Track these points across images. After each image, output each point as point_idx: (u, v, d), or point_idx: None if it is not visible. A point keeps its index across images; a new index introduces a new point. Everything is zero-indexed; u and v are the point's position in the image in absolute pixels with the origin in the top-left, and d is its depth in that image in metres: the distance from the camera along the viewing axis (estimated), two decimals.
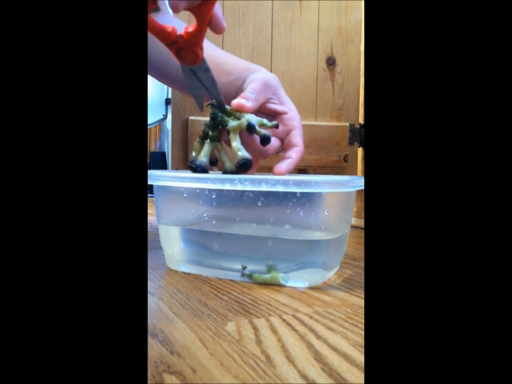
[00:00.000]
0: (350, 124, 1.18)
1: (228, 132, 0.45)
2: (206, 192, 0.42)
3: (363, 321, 0.31)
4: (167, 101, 1.95)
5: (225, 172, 0.46)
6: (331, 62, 1.16)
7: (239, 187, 0.37)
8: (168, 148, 2.10)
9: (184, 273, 0.45)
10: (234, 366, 0.24)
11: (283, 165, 0.46)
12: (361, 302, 0.36)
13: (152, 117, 1.96)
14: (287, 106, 0.49)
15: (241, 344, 0.27)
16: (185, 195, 0.44)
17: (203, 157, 0.45)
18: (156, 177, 0.42)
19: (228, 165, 0.46)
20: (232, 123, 0.44)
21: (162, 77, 0.60)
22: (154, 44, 0.51)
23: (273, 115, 0.49)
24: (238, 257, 0.43)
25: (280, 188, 0.36)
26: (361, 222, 0.82)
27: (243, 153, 0.44)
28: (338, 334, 0.29)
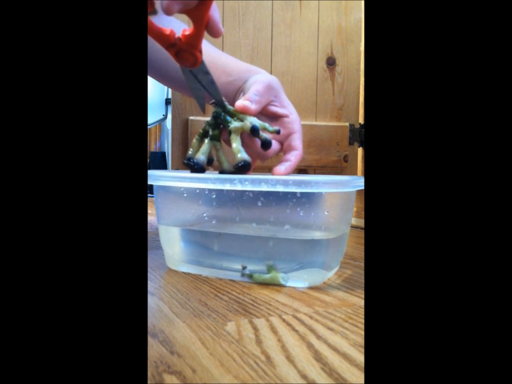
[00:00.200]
0: (350, 124, 1.18)
1: (230, 132, 0.44)
2: (206, 192, 0.42)
3: (363, 321, 0.31)
4: (167, 101, 1.95)
5: (222, 172, 0.46)
6: (331, 62, 1.16)
7: (239, 187, 0.37)
8: (168, 148, 2.10)
9: (184, 273, 0.45)
10: (234, 366, 0.24)
11: (282, 167, 0.46)
12: (361, 302, 0.36)
13: (152, 117, 1.96)
14: (288, 109, 0.49)
15: (241, 344, 0.27)
16: (185, 195, 0.44)
17: (201, 155, 0.45)
18: (156, 177, 0.42)
19: (226, 165, 0.46)
20: (234, 124, 0.44)
21: (162, 78, 0.60)
22: (153, 45, 0.52)
23: (274, 117, 0.49)
24: (238, 257, 0.43)
25: (280, 188, 0.36)
26: (361, 222, 0.82)
27: (243, 155, 0.44)
28: (338, 334, 0.29)
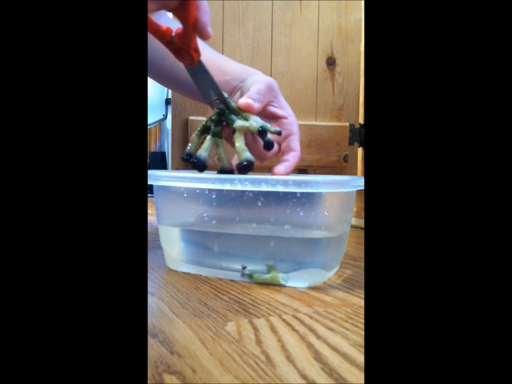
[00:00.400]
0: (350, 124, 1.18)
1: (234, 131, 0.44)
2: (206, 192, 0.42)
3: (363, 321, 0.31)
4: (167, 101, 1.95)
5: (221, 169, 0.46)
6: (331, 62, 1.16)
7: (239, 187, 0.37)
8: (168, 148, 2.10)
9: (184, 273, 0.45)
10: (234, 366, 0.24)
11: (282, 167, 0.47)
12: (361, 302, 0.36)
13: (152, 117, 1.96)
14: (287, 111, 0.49)
15: (241, 344, 0.27)
16: (185, 195, 0.44)
17: (203, 152, 0.45)
18: (156, 177, 0.42)
19: (226, 163, 0.46)
20: (239, 122, 0.44)
21: (159, 77, 0.60)
22: (151, 44, 0.52)
23: (273, 118, 0.49)
24: (238, 257, 0.43)
25: (280, 188, 0.36)
26: (361, 222, 0.82)
27: (247, 154, 0.44)
28: (338, 334, 0.29)
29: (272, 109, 0.49)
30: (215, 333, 0.29)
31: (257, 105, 0.45)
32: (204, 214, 0.43)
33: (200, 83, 0.46)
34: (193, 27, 0.41)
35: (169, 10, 0.40)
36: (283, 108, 0.49)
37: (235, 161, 0.48)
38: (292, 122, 0.49)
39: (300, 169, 1.12)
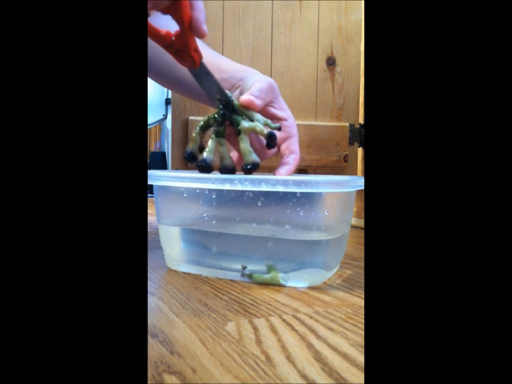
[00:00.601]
0: (350, 124, 1.18)
1: (239, 132, 0.44)
2: (206, 192, 0.42)
3: (363, 321, 0.31)
4: (167, 101, 1.95)
5: (223, 167, 0.46)
6: (331, 62, 1.16)
7: (239, 187, 0.37)
8: (168, 148, 2.10)
9: (184, 273, 0.45)
10: (234, 366, 0.24)
11: (283, 170, 0.47)
12: (361, 302, 0.36)
13: (152, 117, 1.96)
14: (286, 113, 0.49)
15: (241, 344, 0.27)
16: (185, 195, 0.44)
17: (208, 154, 0.45)
18: (156, 177, 0.42)
19: (228, 161, 0.46)
20: (245, 123, 0.44)
21: (158, 77, 0.60)
22: (153, 47, 0.52)
23: (272, 119, 0.49)
24: (238, 257, 0.43)
25: (280, 188, 0.36)
26: (361, 222, 0.82)
27: (253, 156, 0.44)
28: (338, 334, 0.29)
29: (272, 110, 0.49)
30: (215, 333, 0.29)
31: (259, 102, 0.45)
32: (204, 214, 0.43)
33: (204, 85, 0.46)
34: (188, 26, 0.41)
35: (161, 11, 0.40)
36: (282, 109, 0.49)
37: (233, 155, 0.48)
38: (291, 124, 0.49)
39: (300, 169, 1.12)
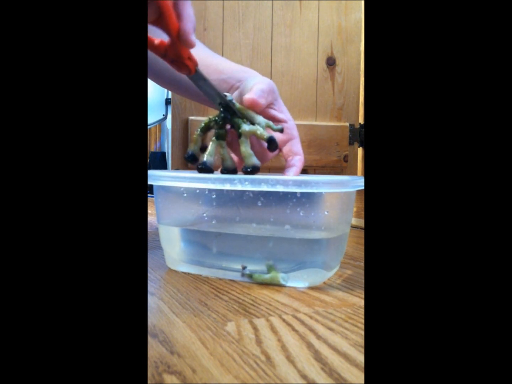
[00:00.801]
0: (350, 124, 1.18)
1: (240, 135, 0.44)
2: (206, 192, 0.42)
3: (363, 321, 0.31)
4: (167, 101, 1.95)
5: (224, 168, 0.46)
6: (331, 62, 1.16)
7: (239, 187, 0.37)
8: (168, 148, 2.10)
9: (184, 273, 0.45)
10: (234, 366, 0.24)
11: (290, 174, 0.47)
12: (361, 302, 0.36)
13: (152, 117, 1.96)
14: (286, 115, 0.49)
15: (241, 344, 0.27)
16: (185, 195, 0.44)
17: (209, 157, 0.45)
18: (156, 177, 0.42)
19: (230, 163, 0.46)
20: (245, 127, 0.44)
21: (157, 78, 0.60)
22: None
23: (272, 121, 0.49)
24: (238, 257, 0.43)
25: (280, 188, 0.36)
26: (361, 222, 0.82)
27: (253, 160, 0.44)
28: (338, 334, 0.29)
29: (273, 112, 0.49)
30: (215, 333, 0.29)
31: (262, 101, 0.45)
32: (204, 214, 0.43)
33: (202, 90, 0.47)
34: (177, 37, 0.41)
35: (150, 23, 0.40)
36: (282, 112, 0.49)
37: (233, 157, 0.48)
38: (292, 126, 0.49)
39: None
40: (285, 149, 0.49)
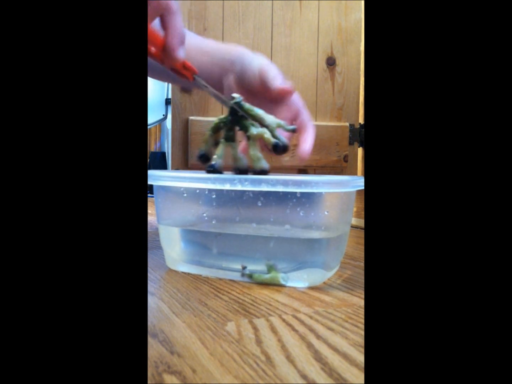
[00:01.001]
0: (350, 124, 1.18)
1: (248, 138, 0.44)
2: (206, 192, 0.42)
3: (363, 321, 0.31)
4: (167, 101, 1.95)
5: (237, 169, 0.46)
6: (331, 62, 1.16)
7: (239, 187, 0.37)
8: (168, 148, 2.10)
9: (184, 273, 0.45)
10: (234, 366, 0.24)
11: (306, 144, 0.47)
12: (361, 302, 0.36)
13: (152, 117, 1.96)
14: (288, 83, 0.49)
15: (241, 344, 0.27)
16: (185, 195, 0.44)
17: (218, 159, 0.45)
18: (156, 177, 0.42)
19: (242, 163, 0.45)
20: (253, 130, 0.44)
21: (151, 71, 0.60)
22: None
23: (278, 99, 0.49)
24: (238, 257, 0.43)
25: (280, 188, 0.36)
26: (361, 222, 0.82)
27: (262, 163, 0.43)
28: (338, 334, 0.29)
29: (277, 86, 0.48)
30: (215, 333, 0.29)
31: (289, 86, 0.46)
32: (204, 214, 0.43)
33: (209, 93, 0.47)
34: (163, 52, 0.40)
35: None
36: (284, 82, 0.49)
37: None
38: (297, 96, 0.49)
39: (300, 169, 1.12)
40: (297, 122, 0.49)
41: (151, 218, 0.89)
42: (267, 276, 0.40)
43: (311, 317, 0.32)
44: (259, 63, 0.48)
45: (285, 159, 1.07)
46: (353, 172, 1.18)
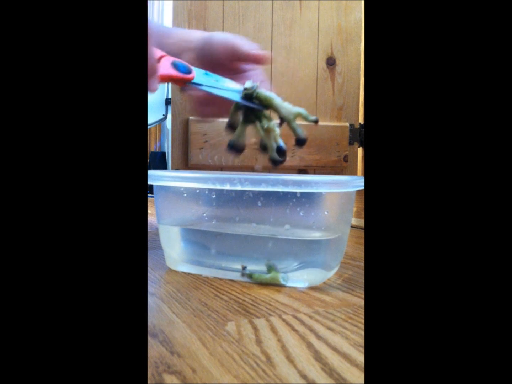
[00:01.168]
0: (350, 124, 1.18)
1: (264, 130, 0.44)
2: (206, 192, 0.42)
3: (363, 321, 0.31)
4: (167, 101, 1.95)
5: (272, 159, 0.45)
6: (331, 62, 1.16)
7: (239, 187, 0.37)
8: (168, 148, 2.10)
9: (184, 273, 0.45)
10: (234, 366, 0.24)
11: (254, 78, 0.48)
12: (361, 302, 0.36)
13: (152, 117, 1.96)
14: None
15: (241, 344, 0.27)
16: (185, 195, 0.44)
17: (236, 137, 0.45)
18: (156, 177, 0.42)
19: (275, 153, 0.45)
20: (264, 123, 0.44)
21: None
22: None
23: (256, 63, 0.49)
24: (238, 257, 0.43)
25: (280, 188, 0.36)
26: (361, 222, 0.82)
27: (276, 154, 0.43)
28: (338, 334, 0.29)
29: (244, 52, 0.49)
30: (215, 333, 0.29)
31: (263, 52, 0.47)
32: (204, 214, 0.43)
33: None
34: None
35: None
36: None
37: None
38: (260, 71, 0.50)
39: (300, 169, 1.12)
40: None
41: (151, 218, 0.89)
42: (267, 276, 0.40)
43: (311, 317, 0.32)
44: (225, 36, 0.49)
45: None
46: (353, 172, 1.18)
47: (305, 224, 0.40)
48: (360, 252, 0.57)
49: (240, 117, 0.46)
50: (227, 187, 0.38)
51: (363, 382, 0.22)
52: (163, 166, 2.03)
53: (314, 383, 0.22)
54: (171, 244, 0.47)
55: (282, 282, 0.40)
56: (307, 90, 1.14)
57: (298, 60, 1.13)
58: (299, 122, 0.45)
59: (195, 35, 0.52)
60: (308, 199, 0.39)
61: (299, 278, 0.40)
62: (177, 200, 0.45)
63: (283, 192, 0.38)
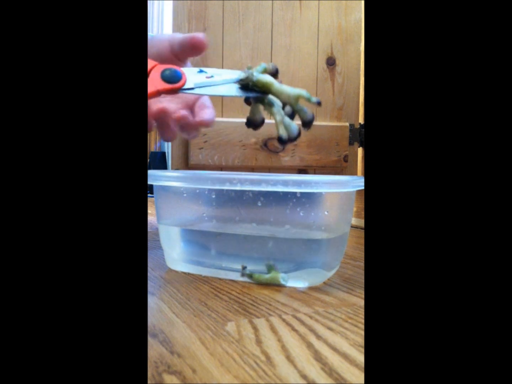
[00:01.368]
0: (350, 124, 1.18)
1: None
2: (206, 192, 0.42)
3: (363, 321, 0.31)
4: None
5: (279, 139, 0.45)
6: (331, 62, 1.16)
7: (239, 187, 0.37)
8: (168, 148, 2.10)
9: (184, 273, 0.45)
10: (234, 366, 0.24)
11: (204, 115, 0.48)
12: (361, 302, 0.36)
13: None
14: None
15: (241, 344, 0.27)
16: (185, 195, 0.44)
17: (251, 114, 0.44)
18: (156, 177, 0.42)
19: (285, 133, 0.44)
20: (267, 107, 0.43)
21: None
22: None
23: (194, 48, 0.48)
24: (238, 257, 0.43)
25: (280, 188, 0.36)
26: (361, 222, 0.82)
27: (292, 129, 0.42)
28: (338, 334, 0.29)
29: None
30: (215, 333, 0.29)
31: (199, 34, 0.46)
32: (204, 214, 0.43)
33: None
34: None
35: None
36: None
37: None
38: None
39: (300, 169, 1.12)
40: (196, 105, 0.49)
41: (151, 218, 0.89)
42: (267, 276, 0.40)
43: (311, 317, 0.32)
44: (164, 34, 0.49)
45: (285, 159, 1.07)
46: (353, 172, 1.18)
47: (305, 224, 0.40)
48: (360, 252, 0.57)
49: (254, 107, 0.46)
50: (227, 187, 0.38)
51: (363, 382, 0.22)
52: (163, 166, 2.03)
53: (314, 383, 0.22)
54: (171, 244, 0.47)
55: (282, 282, 0.40)
56: (307, 90, 1.14)
57: (298, 60, 1.13)
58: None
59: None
60: (308, 199, 0.39)
61: (299, 278, 0.40)
62: (177, 200, 0.45)
63: (283, 192, 0.38)
